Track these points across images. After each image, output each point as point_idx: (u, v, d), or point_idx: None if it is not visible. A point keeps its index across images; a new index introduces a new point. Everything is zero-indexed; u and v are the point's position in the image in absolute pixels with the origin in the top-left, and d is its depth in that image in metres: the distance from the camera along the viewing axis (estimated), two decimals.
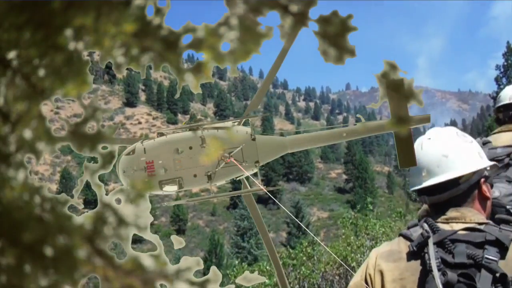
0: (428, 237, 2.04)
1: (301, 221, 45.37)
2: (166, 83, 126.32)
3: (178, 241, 0.64)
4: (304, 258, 17.51)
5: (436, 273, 1.91)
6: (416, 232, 2.14)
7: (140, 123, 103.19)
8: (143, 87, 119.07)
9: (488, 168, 2.27)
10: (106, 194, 0.55)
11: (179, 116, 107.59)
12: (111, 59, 0.52)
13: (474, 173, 2.21)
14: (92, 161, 0.57)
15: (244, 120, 3.48)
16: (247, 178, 3.41)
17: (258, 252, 43.37)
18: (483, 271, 1.89)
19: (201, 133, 3.25)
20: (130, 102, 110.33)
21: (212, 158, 3.20)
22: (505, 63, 42.88)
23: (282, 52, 2.96)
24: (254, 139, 3.31)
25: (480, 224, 2.07)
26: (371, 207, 24.29)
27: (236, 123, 3.44)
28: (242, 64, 0.54)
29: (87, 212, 0.54)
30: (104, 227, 0.53)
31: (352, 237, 18.35)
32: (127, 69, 0.54)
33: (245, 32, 0.49)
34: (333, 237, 19.31)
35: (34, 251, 0.50)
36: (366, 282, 2.19)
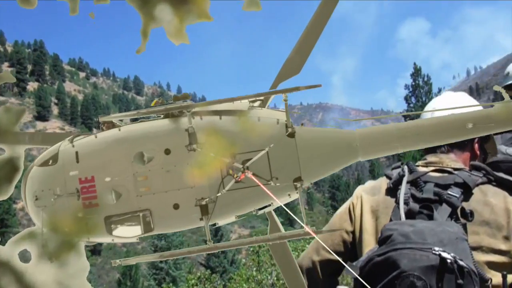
0: (403, 175, 2.32)
1: (219, 240, 44.72)
2: (80, 97, 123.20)
3: None
4: None
5: (401, 204, 2.18)
6: (396, 173, 2.41)
7: None
8: (55, 101, 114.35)
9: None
10: (3, 243, 0.34)
11: (94, 131, 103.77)
12: None
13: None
14: None
15: (271, 98, 1.74)
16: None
17: (177, 273, 42.05)
18: (443, 204, 2.14)
19: (190, 122, 1.63)
20: (42, 116, 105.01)
21: (209, 172, 1.65)
22: (413, 83, 47.11)
23: None
24: (292, 134, 1.65)
25: (454, 169, 2.33)
26: None
27: (257, 104, 1.72)
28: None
29: None
30: None
31: (254, 269, 16.59)
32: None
33: None
34: (251, 253, 18.46)
35: None
36: (349, 210, 2.49)
